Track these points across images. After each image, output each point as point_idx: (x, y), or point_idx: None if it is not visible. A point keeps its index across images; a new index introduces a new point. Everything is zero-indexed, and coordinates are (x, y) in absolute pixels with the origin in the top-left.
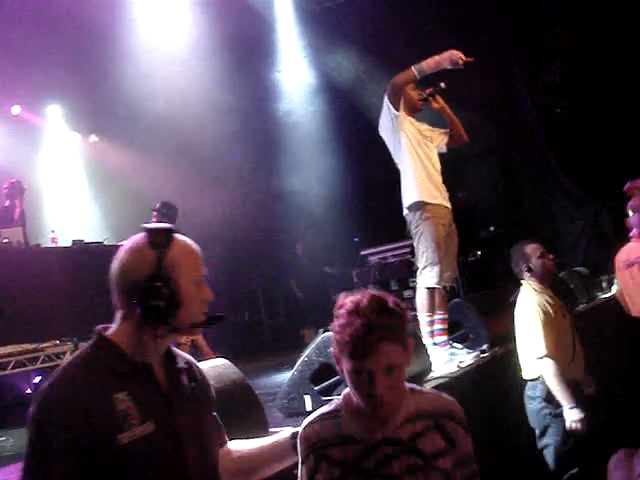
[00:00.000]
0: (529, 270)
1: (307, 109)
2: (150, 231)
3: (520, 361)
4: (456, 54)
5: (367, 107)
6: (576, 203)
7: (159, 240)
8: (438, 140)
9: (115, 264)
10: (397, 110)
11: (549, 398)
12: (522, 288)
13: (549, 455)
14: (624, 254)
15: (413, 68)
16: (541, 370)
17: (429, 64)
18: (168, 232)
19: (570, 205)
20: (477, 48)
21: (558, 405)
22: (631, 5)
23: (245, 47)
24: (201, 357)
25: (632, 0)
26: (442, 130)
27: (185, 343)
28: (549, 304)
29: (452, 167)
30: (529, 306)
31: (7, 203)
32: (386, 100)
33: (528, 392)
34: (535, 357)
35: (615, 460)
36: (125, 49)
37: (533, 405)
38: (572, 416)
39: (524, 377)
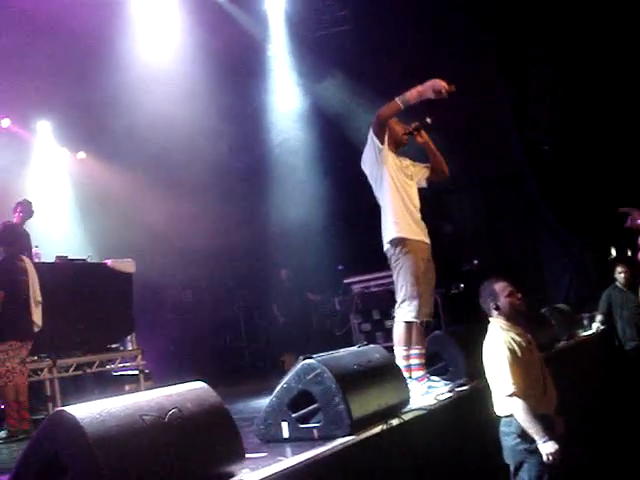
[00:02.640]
0: (497, 308)
1: (295, 135)
2: None
3: (493, 398)
4: (439, 83)
5: (354, 135)
6: (560, 240)
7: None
8: (419, 175)
9: None
10: (382, 144)
11: (524, 434)
12: (490, 325)
13: None
14: None
15: (397, 100)
16: (511, 408)
17: (412, 94)
18: None
19: (554, 241)
20: (465, 81)
21: (533, 441)
22: (622, 48)
23: (236, 69)
24: None
25: (623, 43)
26: (423, 165)
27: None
28: (515, 342)
29: (437, 200)
30: (496, 344)
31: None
32: (371, 133)
33: (503, 428)
34: (504, 395)
35: None
36: (116, 68)
37: (508, 441)
38: (547, 449)
39: (497, 414)
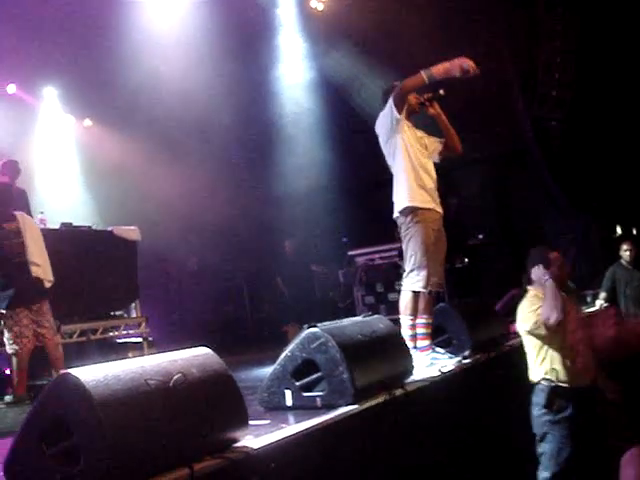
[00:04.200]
0: (543, 274)
1: (302, 106)
2: None
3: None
4: (468, 62)
5: (362, 106)
6: (566, 216)
7: None
8: (432, 148)
9: None
10: (399, 114)
11: (548, 405)
12: (528, 294)
13: (544, 462)
14: None
15: (422, 73)
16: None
17: (439, 70)
18: None
19: (560, 218)
20: (475, 57)
21: (557, 412)
22: (631, 23)
23: (245, 38)
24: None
25: (632, 17)
26: (437, 139)
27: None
28: None
29: (444, 174)
30: (530, 311)
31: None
32: (390, 102)
33: (533, 397)
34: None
35: (628, 457)
36: (125, 36)
37: (535, 411)
38: None
39: (530, 379)
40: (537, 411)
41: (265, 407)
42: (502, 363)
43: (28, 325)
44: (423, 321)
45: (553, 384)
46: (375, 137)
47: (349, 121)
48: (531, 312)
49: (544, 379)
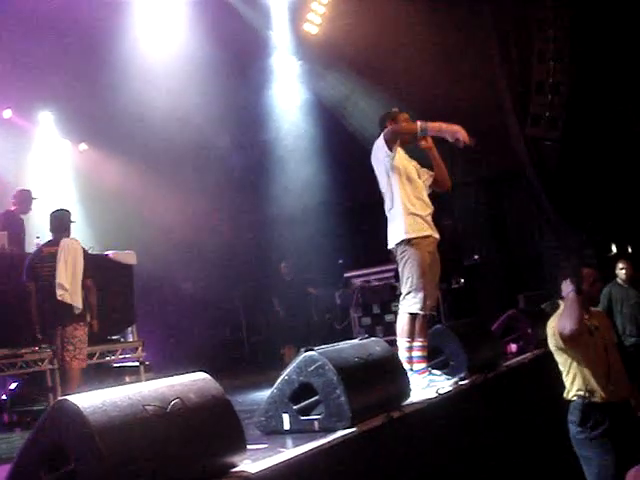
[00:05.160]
0: (576, 290)
1: (297, 128)
2: None
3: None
4: (462, 134)
5: (357, 128)
6: (561, 236)
7: None
8: (423, 179)
9: None
10: (391, 151)
11: (583, 422)
12: (560, 308)
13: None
14: None
15: (419, 124)
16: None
17: (434, 127)
18: None
19: (554, 237)
20: (468, 78)
21: (593, 429)
22: (624, 42)
23: (241, 64)
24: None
25: (622, 37)
26: (428, 171)
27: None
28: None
29: (438, 195)
30: (552, 325)
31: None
32: (382, 140)
33: (569, 416)
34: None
35: (633, 473)
36: (119, 59)
37: (572, 430)
38: None
39: (565, 397)
40: (573, 429)
41: (263, 431)
42: (499, 384)
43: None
44: (419, 344)
45: (587, 401)
46: (369, 158)
47: (344, 142)
48: (552, 325)
49: (577, 396)
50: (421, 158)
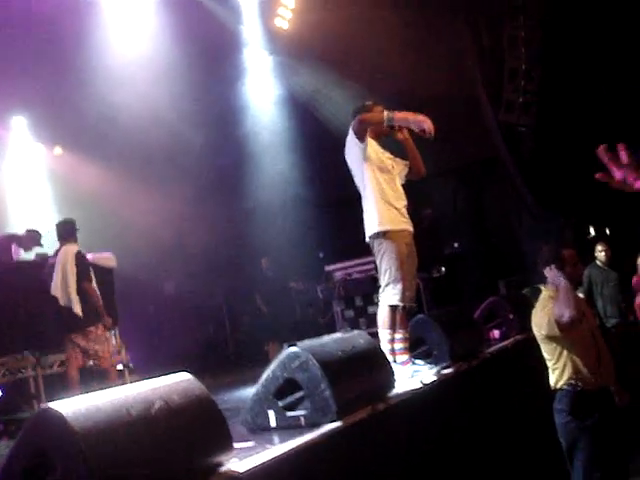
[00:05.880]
0: (559, 274)
1: (272, 123)
2: None
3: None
4: (428, 125)
5: (332, 121)
6: (539, 220)
7: None
8: (398, 170)
9: None
10: (362, 142)
11: (575, 411)
12: (541, 295)
13: (580, 470)
14: None
15: (385, 114)
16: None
17: (399, 117)
18: None
19: (533, 222)
20: (441, 68)
21: (585, 418)
22: (594, 27)
23: (213, 60)
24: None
25: (593, 21)
26: (403, 162)
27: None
28: None
29: (417, 185)
30: (545, 314)
31: None
32: (351, 132)
33: (556, 404)
34: (552, 333)
35: None
36: (91, 61)
37: (559, 418)
38: None
39: (551, 386)
40: (563, 418)
41: (249, 429)
42: (483, 370)
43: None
44: (400, 336)
45: (578, 389)
46: (343, 150)
47: (319, 135)
48: (544, 313)
49: (567, 384)
50: (396, 150)
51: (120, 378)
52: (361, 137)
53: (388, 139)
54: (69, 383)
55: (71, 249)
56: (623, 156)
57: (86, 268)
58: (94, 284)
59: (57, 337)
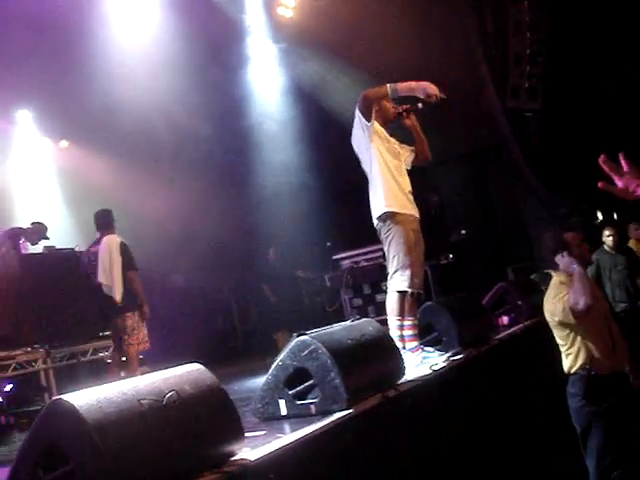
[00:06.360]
0: (569, 258)
1: (279, 112)
2: None
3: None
4: (433, 89)
5: (339, 110)
6: (547, 206)
7: None
8: (405, 156)
9: None
10: (368, 121)
11: (589, 395)
12: (552, 281)
13: (594, 454)
14: None
15: (388, 86)
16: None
17: (403, 87)
18: None
19: (540, 208)
20: (446, 55)
21: (599, 403)
22: (599, 11)
23: (217, 50)
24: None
25: (597, 4)
26: (409, 147)
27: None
28: None
29: (424, 172)
30: (558, 301)
31: None
32: (357, 111)
33: (569, 388)
34: (569, 318)
35: None
36: (95, 54)
37: (574, 402)
38: None
39: (564, 371)
40: (577, 402)
41: (260, 418)
42: (493, 357)
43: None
44: (409, 322)
45: (592, 373)
46: (349, 139)
47: (325, 123)
48: (558, 300)
49: (582, 368)
50: (402, 139)
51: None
52: (367, 115)
53: (395, 126)
54: (109, 367)
55: (114, 239)
56: (624, 165)
57: (131, 257)
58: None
59: (69, 330)
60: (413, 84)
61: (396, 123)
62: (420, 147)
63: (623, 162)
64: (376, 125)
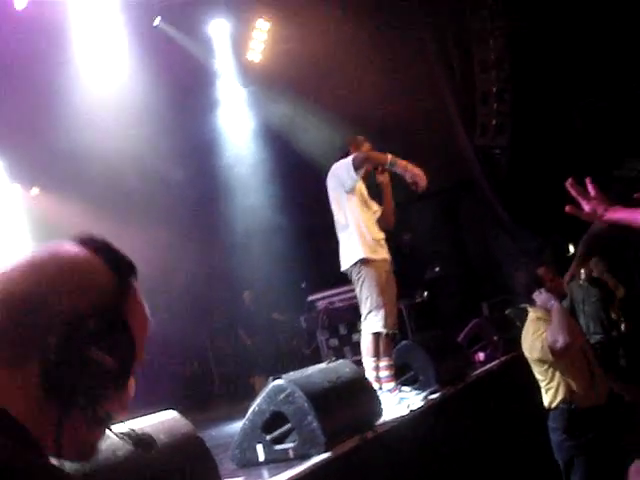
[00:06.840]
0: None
1: (250, 156)
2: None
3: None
4: (422, 180)
5: (310, 153)
6: (517, 241)
7: (122, 265)
8: (374, 209)
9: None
10: (357, 175)
11: (570, 429)
12: (529, 317)
13: None
14: None
15: (389, 158)
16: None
17: (400, 165)
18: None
19: (512, 243)
20: (414, 94)
21: (580, 436)
22: (563, 46)
23: (186, 95)
24: None
25: (564, 40)
26: (377, 205)
27: None
28: None
29: (395, 211)
30: (536, 338)
31: None
32: (350, 162)
33: (550, 423)
34: (549, 358)
35: (634, 468)
36: (64, 100)
37: (555, 437)
38: None
39: (545, 406)
40: (558, 437)
41: (238, 464)
42: (470, 394)
43: None
44: (385, 363)
45: (573, 407)
46: (321, 179)
47: (295, 165)
48: (536, 337)
49: (562, 403)
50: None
51: None
52: (359, 170)
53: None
54: None
55: None
56: (591, 189)
57: None
58: None
59: None
60: (409, 167)
61: (370, 179)
62: (386, 209)
63: (590, 187)
64: (359, 180)
